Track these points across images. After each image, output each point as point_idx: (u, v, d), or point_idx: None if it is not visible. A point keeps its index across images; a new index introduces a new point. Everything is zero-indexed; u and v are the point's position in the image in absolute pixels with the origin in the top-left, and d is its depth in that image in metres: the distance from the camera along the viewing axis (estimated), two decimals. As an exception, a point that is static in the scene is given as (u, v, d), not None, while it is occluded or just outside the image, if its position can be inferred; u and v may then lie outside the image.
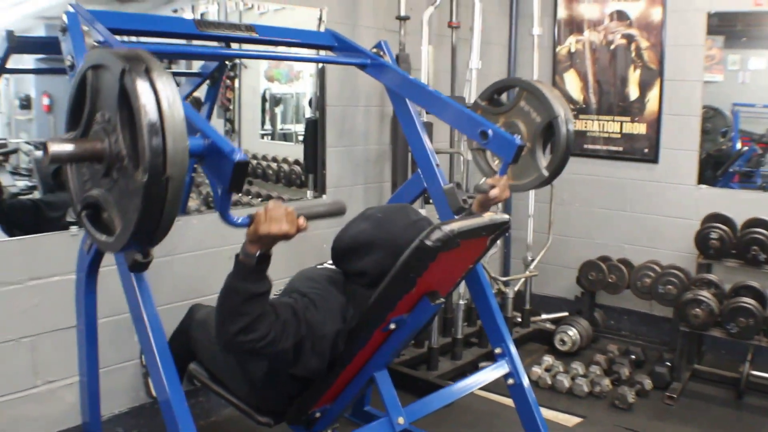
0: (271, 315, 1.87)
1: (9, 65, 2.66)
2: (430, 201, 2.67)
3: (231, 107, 3.57)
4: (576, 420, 3.40)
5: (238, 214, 1.74)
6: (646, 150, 4.38)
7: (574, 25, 4.58)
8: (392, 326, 1.95)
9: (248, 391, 2.22)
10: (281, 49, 2.65)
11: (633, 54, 4.37)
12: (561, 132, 2.53)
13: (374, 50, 2.66)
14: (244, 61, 3.58)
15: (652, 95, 4.32)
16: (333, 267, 2.21)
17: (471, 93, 3.77)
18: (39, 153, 2.91)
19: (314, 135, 3.65)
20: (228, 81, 3.54)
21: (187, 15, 3.25)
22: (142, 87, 1.35)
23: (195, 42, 2.67)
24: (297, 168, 3.72)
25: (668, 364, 3.76)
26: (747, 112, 4.17)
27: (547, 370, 3.84)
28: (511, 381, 2.46)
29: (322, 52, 2.92)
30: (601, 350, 4.13)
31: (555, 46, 4.65)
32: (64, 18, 1.97)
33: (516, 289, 4.35)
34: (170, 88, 1.38)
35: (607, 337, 4.47)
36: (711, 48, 4.10)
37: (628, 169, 4.48)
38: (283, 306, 1.94)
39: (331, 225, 3.51)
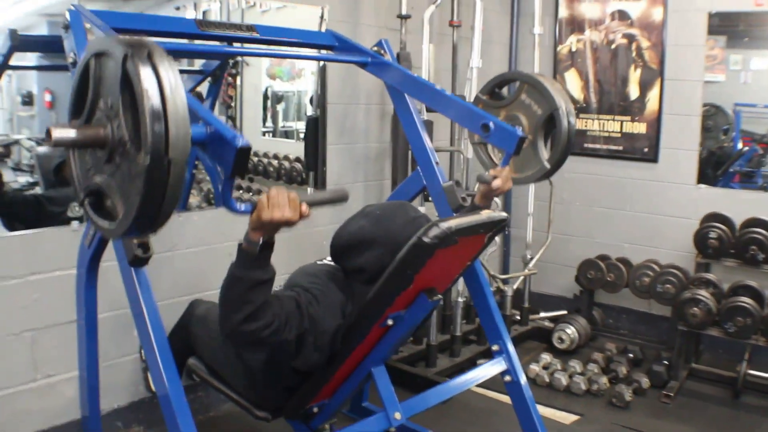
0: (275, 304, 1.87)
1: (12, 62, 2.67)
2: (430, 198, 2.67)
3: (233, 104, 3.59)
4: (573, 418, 3.42)
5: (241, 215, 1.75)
6: (646, 149, 4.39)
7: (575, 25, 4.58)
8: (390, 322, 1.96)
9: (247, 386, 2.24)
10: (283, 48, 2.67)
11: (634, 53, 4.38)
12: (562, 124, 2.53)
13: (375, 49, 2.67)
14: (246, 58, 3.59)
15: (653, 95, 4.32)
16: (332, 263, 2.22)
17: (472, 91, 3.78)
18: (41, 149, 2.93)
19: (315, 132, 3.66)
20: (230, 78, 3.56)
21: (190, 13, 3.27)
22: (144, 72, 1.36)
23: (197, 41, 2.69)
24: (298, 165, 3.73)
25: (666, 362, 3.78)
26: (749, 112, 4.17)
27: (545, 367, 3.86)
28: (508, 378, 2.47)
29: (324, 51, 2.93)
30: (600, 348, 4.14)
31: (556, 45, 4.66)
32: (67, 15, 1.98)
33: (515, 287, 4.36)
34: (172, 73, 1.39)
35: (605, 335, 4.48)
36: (713, 48, 4.11)
37: (628, 169, 4.49)
38: (287, 298, 1.95)
39: (331, 222, 3.55)
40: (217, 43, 2.75)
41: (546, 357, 3.95)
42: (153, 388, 2.75)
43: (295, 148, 3.79)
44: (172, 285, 3.03)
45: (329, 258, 2.25)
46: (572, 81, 4.62)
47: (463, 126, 2.70)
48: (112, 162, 1.51)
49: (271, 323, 1.85)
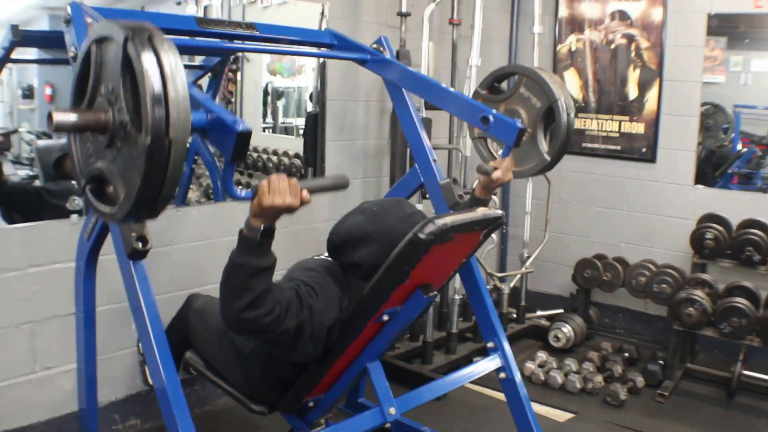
0: (276, 292, 1.88)
1: (12, 55, 2.68)
2: (427, 196, 2.69)
3: (233, 100, 3.60)
4: (568, 416, 3.44)
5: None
6: (644, 149, 4.41)
7: (575, 24, 4.60)
8: (385, 318, 1.97)
9: (243, 379, 2.25)
10: (283, 45, 2.68)
11: (633, 54, 4.39)
12: (561, 116, 2.53)
13: (374, 46, 2.69)
14: (247, 54, 3.60)
15: (651, 95, 4.34)
16: (329, 259, 2.24)
17: (471, 89, 3.78)
18: (41, 142, 2.94)
19: (314, 129, 3.67)
20: (230, 74, 3.57)
21: (191, 8, 3.27)
22: (145, 53, 1.38)
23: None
24: (297, 161, 3.75)
25: (661, 362, 3.79)
26: (748, 114, 4.19)
27: (541, 365, 3.88)
28: (503, 375, 2.49)
29: (323, 48, 2.95)
30: (595, 347, 4.16)
31: (555, 44, 4.68)
32: (68, 10, 1.99)
33: (512, 285, 4.39)
34: (172, 55, 1.41)
35: (601, 334, 4.50)
36: (713, 49, 4.12)
37: (626, 168, 4.50)
38: (288, 288, 1.95)
39: (329, 218, 3.58)
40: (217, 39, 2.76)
41: (542, 355, 3.97)
42: (150, 381, 2.77)
43: (295, 144, 3.81)
44: (170, 279, 3.04)
45: (326, 254, 2.27)
46: (571, 80, 4.63)
47: (463, 119, 2.71)
48: (113, 147, 1.52)
49: (273, 310, 1.84)
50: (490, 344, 2.50)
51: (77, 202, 2.79)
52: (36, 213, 2.75)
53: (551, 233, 4.41)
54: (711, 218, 4.01)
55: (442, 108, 2.59)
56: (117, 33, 1.43)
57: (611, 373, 3.81)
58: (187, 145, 1.46)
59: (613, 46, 4.46)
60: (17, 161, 2.88)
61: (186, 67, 3.31)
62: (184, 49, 3.04)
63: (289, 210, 1.75)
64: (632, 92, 4.41)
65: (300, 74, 3.89)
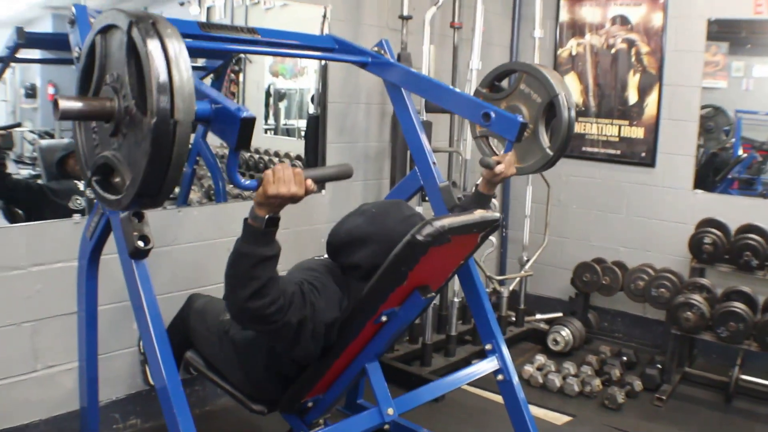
0: (281, 283, 1.88)
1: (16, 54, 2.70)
2: (427, 198, 2.71)
3: (235, 101, 3.61)
4: (566, 419, 3.45)
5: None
6: (643, 154, 4.43)
7: (576, 29, 4.62)
8: (384, 318, 1.98)
9: (243, 379, 2.26)
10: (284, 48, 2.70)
11: (633, 58, 4.41)
12: (562, 110, 2.54)
13: (375, 49, 2.71)
14: (249, 56, 3.62)
15: (651, 100, 4.36)
16: (329, 260, 2.25)
17: (471, 92, 3.81)
18: (44, 142, 2.96)
19: (315, 131, 3.69)
20: (232, 75, 3.59)
21: (194, 9, 3.29)
22: (149, 37, 1.40)
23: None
24: (298, 163, 3.76)
25: (659, 366, 3.81)
26: (750, 119, 4.19)
27: (539, 369, 3.89)
28: (500, 377, 2.50)
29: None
30: (594, 351, 4.17)
31: (556, 48, 4.70)
32: (73, 10, 2.01)
33: (511, 288, 4.40)
34: (176, 39, 1.43)
35: (600, 338, 4.52)
36: (715, 54, 4.13)
37: (626, 173, 4.52)
38: (291, 283, 1.96)
39: (329, 219, 3.60)
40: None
41: (540, 358, 3.98)
42: (151, 381, 2.80)
43: (296, 146, 3.83)
44: (171, 279, 3.06)
45: (326, 255, 2.28)
46: (572, 84, 4.64)
47: (464, 117, 2.71)
48: (119, 134, 1.54)
49: (277, 300, 1.85)
50: (488, 346, 2.51)
51: (80, 201, 2.81)
52: (38, 210, 2.77)
53: (551, 237, 4.43)
54: (709, 223, 4.02)
55: (443, 106, 2.60)
56: (122, 20, 1.46)
57: (609, 377, 3.83)
58: (191, 128, 1.48)
59: (613, 51, 4.48)
60: (19, 160, 2.88)
61: (189, 68, 3.35)
62: (189, 52, 3.07)
63: (294, 199, 1.76)
64: (632, 97, 4.43)
65: (302, 76, 3.91)
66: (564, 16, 4.66)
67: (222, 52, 3.13)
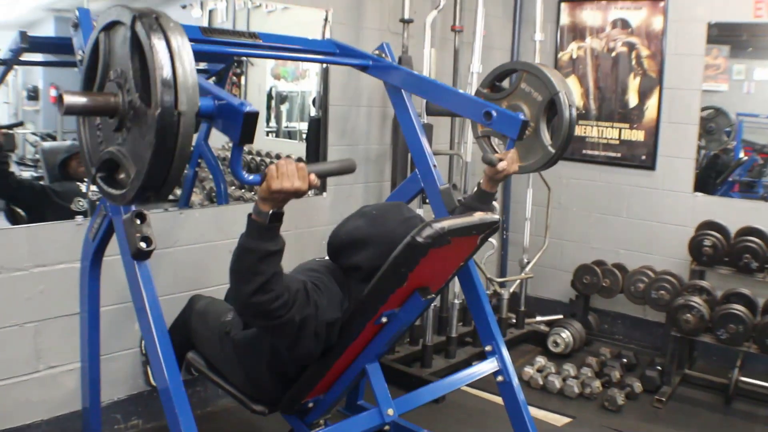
0: (285, 278, 1.89)
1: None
2: (427, 201, 2.72)
3: (236, 102, 3.62)
4: (565, 420, 3.46)
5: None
6: (643, 157, 4.44)
7: (577, 32, 4.64)
8: (384, 319, 2.00)
9: (244, 379, 2.27)
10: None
11: (633, 62, 4.43)
12: (563, 107, 2.54)
13: (376, 52, 2.72)
14: (251, 58, 3.63)
15: (651, 103, 4.37)
16: (330, 261, 2.26)
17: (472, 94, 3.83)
18: (46, 144, 2.97)
19: (317, 133, 3.71)
20: (234, 78, 3.60)
21: (196, 11, 3.30)
22: (152, 31, 1.42)
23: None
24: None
25: (659, 368, 3.82)
26: (751, 122, 4.19)
27: (539, 370, 3.90)
28: (500, 378, 2.51)
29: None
30: (594, 353, 4.18)
31: (557, 51, 4.71)
32: (76, 14, 2.03)
33: (511, 290, 4.41)
34: (179, 33, 1.45)
35: (600, 340, 4.53)
36: (716, 57, 4.15)
37: (626, 176, 4.53)
38: (295, 280, 1.97)
39: (330, 221, 3.61)
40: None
41: (540, 360, 3.99)
42: (152, 382, 2.82)
43: (298, 149, 3.84)
44: (173, 280, 3.08)
45: (327, 257, 2.29)
46: (572, 88, 4.65)
47: (466, 116, 2.72)
48: (123, 129, 1.55)
49: (281, 295, 1.86)
50: (488, 348, 2.52)
51: (82, 203, 2.83)
52: (40, 211, 2.79)
53: (551, 239, 4.45)
54: (709, 226, 4.03)
55: (445, 107, 2.61)
56: (125, 16, 1.48)
57: (609, 379, 3.84)
58: (195, 120, 1.50)
59: (614, 54, 4.49)
60: (22, 162, 2.89)
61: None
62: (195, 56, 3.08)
63: (298, 193, 1.76)
64: (632, 100, 4.45)
65: (304, 79, 3.92)
66: (564, 19, 4.68)
67: (224, 55, 3.14)
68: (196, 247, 3.18)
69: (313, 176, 1.79)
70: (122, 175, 1.58)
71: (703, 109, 4.21)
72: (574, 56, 4.65)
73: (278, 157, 3.83)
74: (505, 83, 2.82)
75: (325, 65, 3.62)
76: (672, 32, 4.26)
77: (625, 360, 4.07)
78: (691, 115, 4.23)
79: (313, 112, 3.78)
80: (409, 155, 3.45)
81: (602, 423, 3.43)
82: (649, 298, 4.05)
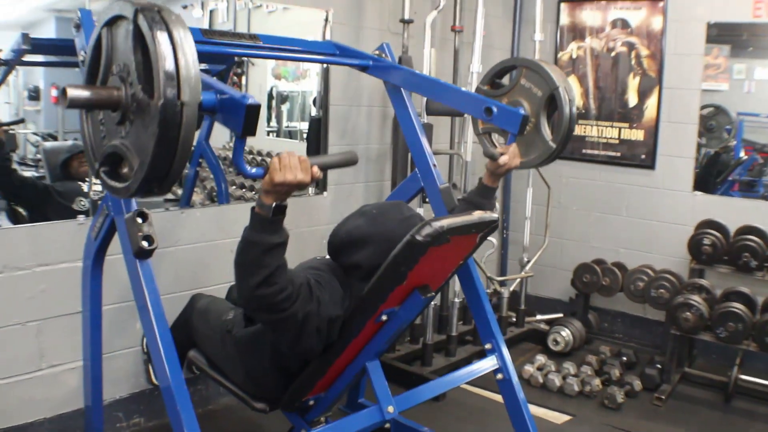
0: (289, 272, 1.91)
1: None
2: (427, 200, 2.73)
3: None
4: (565, 418, 3.48)
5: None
6: (643, 156, 4.45)
7: (576, 32, 4.65)
8: (384, 318, 2.01)
9: (245, 377, 2.28)
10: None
11: (633, 61, 4.44)
12: (563, 102, 2.53)
13: (376, 52, 2.74)
14: (252, 59, 3.64)
15: (651, 102, 4.39)
16: (330, 260, 2.28)
17: (471, 96, 3.84)
18: (48, 144, 2.99)
19: (317, 133, 3.72)
20: (235, 78, 3.62)
21: (197, 12, 3.31)
22: (154, 24, 1.44)
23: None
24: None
25: (659, 366, 3.83)
26: (751, 122, 4.20)
27: (540, 368, 3.92)
28: (500, 376, 2.51)
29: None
30: (594, 351, 4.20)
31: (557, 51, 4.72)
32: (78, 14, 2.05)
33: (512, 289, 4.43)
34: (181, 25, 1.47)
35: (600, 338, 4.54)
36: (717, 57, 4.15)
37: (626, 175, 4.54)
38: (299, 275, 1.98)
39: (330, 220, 3.63)
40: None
41: (541, 358, 4.01)
42: (154, 380, 2.83)
43: (299, 148, 3.85)
44: (174, 279, 3.09)
45: (327, 256, 2.30)
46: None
47: (467, 112, 2.73)
48: (126, 122, 1.57)
49: (286, 288, 1.87)
50: (487, 346, 2.53)
51: (84, 202, 2.84)
52: (42, 210, 2.80)
53: (551, 238, 4.46)
54: (709, 224, 4.05)
55: (446, 104, 2.62)
56: (128, 9, 1.50)
57: (609, 377, 3.85)
58: (197, 122, 1.51)
59: (613, 54, 4.51)
60: (23, 162, 2.90)
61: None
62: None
63: (301, 186, 1.78)
64: (632, 99, 4.46)
65: (304, 79, 3.93)
66: (564, 19, 4.69)
67: (224, 55, 3.16)
68: (197, 246, 3.19)
69: (315, 169, 1.80)
70: (125, 169, 1.59)
71: (704, 107, 4.22)
72: (574, 56, 4.67)
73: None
74: (505, 80, 2.82)
75: (325, 65, 3.63)
76: (671, 32, 4.27)
77: (624, 358, 4.08)
78: (691, 115, 4.24)
79: (313, 111, 3.80)
80: (409, 155, 3.47)
81: (602, 421, 3.44)
82: (649, 297, 4.06)
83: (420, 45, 3.80)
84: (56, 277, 2.72)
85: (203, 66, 3.39)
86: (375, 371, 2.15)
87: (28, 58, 2.80)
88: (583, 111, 4.64)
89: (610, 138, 4.57)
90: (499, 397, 2.69)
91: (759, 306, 3.75)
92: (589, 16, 4.59)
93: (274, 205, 1.79)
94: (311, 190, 3.72)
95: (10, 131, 2.83)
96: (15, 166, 2.84)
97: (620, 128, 4.53)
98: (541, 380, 3.81)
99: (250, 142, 3.73)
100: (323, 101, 3.70)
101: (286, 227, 1.87)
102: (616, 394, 3.55)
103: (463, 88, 4.02)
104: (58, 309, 2.74)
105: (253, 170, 1.76)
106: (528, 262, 4.46)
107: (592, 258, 4.51)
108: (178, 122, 1.45)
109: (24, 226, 2.67)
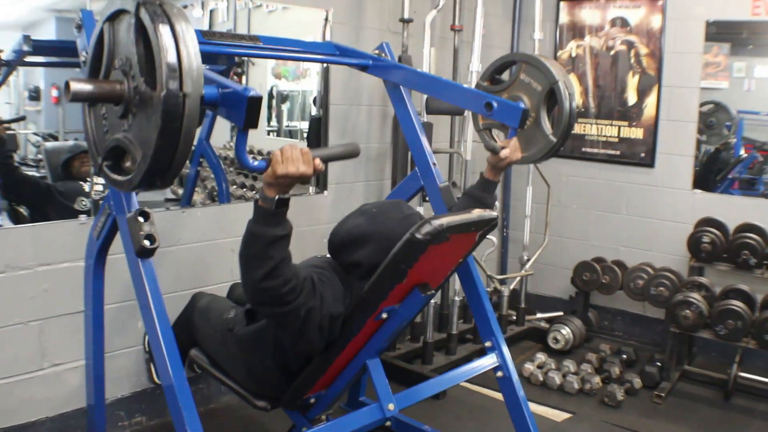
0: (294, 266, 1.92)
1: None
2: (427, 198, 2.74)
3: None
4: (565, 416, 3.49)
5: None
6: (643, 154, 4.46)
7: (576, 31, 4.66)
8: (384, 315, 2.02)
9: (246, 375, 2.30)
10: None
11: (632, 60, 4.44)
12: (563, 96, 2.54)
13: (376, 52, 2.75)
14: (252, 58, 3.65)
15: (650, 101, 4.39)
16: (331, 259, 2.29)
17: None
18: (49, 144, 3.00)
19: (318, 132, 3.74)
20: (235, 77, 3.63)
21: (197, 12, 3.32)
22: (156, 17, 1.46)
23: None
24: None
25: (658, 364, 3.84)
26: (751, 120, 4.20)
27: (540, 367, 3.93)
28: (500, 374, 2.53)
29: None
30: (594, 349, 4.21)
31: (556, 50, 4.73)
32: (80, 15, 2.06)
33: (512, 287, 4.44)
34: (182, 18, 1.48)
35: (600, 336, 4.55)
36: (717, 55, 4.16)
37: (625, 173, 4.55)
38: (302, 270, 1.99)
39: (330, 220, 3.64)
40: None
41: (541, 356, 4.02)
42: (155, 379, 2.84)
43: (299, 148, 3.85)
44: (175, 278, 3.10)
45: (328, 255, 2.31)
46: (571, 86, 4.67)
47: (467, 108, 2.73)
48: (128, 115, 1.58)
49: (290, 280, 1.88)
50: (487, 343, 2.54)
51: (85, 202, 2.85)
52: (44, 209, 2.81)
53: (551, 236, 4.47)
54: (708, 222, 4.06)
55: (446, 101, 2.63)
56: (129, 3, 1.52)
57: (609, 375, 3.86)
58: (198, 119, 1.52)
59: (612, 53, 4.51)
60: (24, 163, 2.91)
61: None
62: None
63: (303, 178, 1.78)
64: (631, 98, 4.47)
65: (304, 78, 3.93)
66: (564, 18, 4.70)
67: (225, 56, 3.17)
68: (198, 245, 3.20)
69: (318, 161, 1.81)
70: (128, 163, 1.61)
71: (703, 103, 4.23)
72: (573, 55, 4.67)
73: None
74: (505, 76, 2.83)
75: (325, 65, 3.64)
76: (670, 30, 4.28)
77: (624, 356, 4.09)
78: (690, 113, 4.25)
79: (313, 111, 3.80)
80: (409, 154, 3.48)
81: (602, 418, 3.45)
82: (649, 295, 4.07)
83: (420, 44, 3.81)
84: (58, 276, 2.73)
85: (204, 67, 3.40)
86: (375, 369, 2.16)
87: (28, 58, 2.81)
88: (583, 109, 4.64)
89: (610, 136, 4.58)
90: (499, 395, 2.71)
91: (758, 303, 3.75)
92: (588, 15, 4.59)
93: (277, 197, 1.80)
94: (311, 189, 3.73)
95: (11, 131, 2.84)
96: (16, 164, 2.84)
97: (620, 126, 4.53)
98: (541, 378, 3.82)
99: (251, 141, 3.70)
100: (323, 100, 3.71)
101: (289, 219, 1.88)
102: (616, 392, 3.56)
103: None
104: (60, 308, 2.75)
105: (256, 163, 1.78)
106: (528, 260, 4.47)
107: (592, 256, 4.52)
108: (180, 113, 1.46)
109: (26, 226, 2.68)
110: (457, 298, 3.96)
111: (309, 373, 2.15)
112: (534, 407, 3.01)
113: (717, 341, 3.62)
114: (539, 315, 4.71)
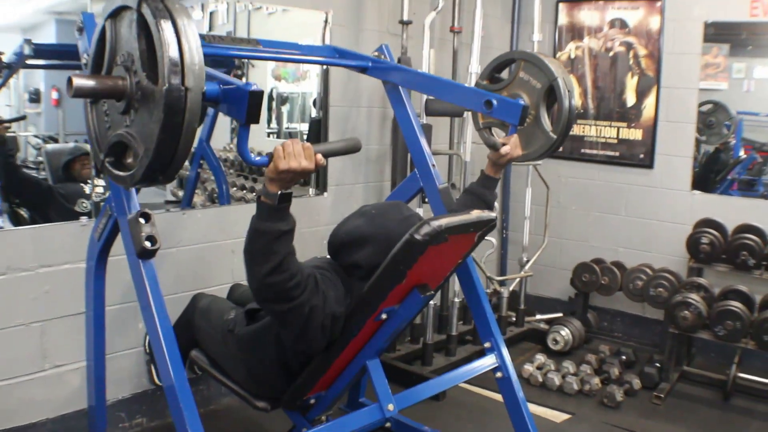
0: (298, 262, 1.93)
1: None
2: (427, 200, 2.75)
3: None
4: (565, 416, 3.49)
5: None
6: (642, 155, 4.47)
7: (575, 32, 4.67)
8: (384, 316, 2.03)
9: (246, 376, 2.30)
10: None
11: (631, 61, 4.46)
12: (562, 93, 2.54)
13: (375, 54, 2.76)
14: (252, 60, 3.66)
15: (649, 102, 4.40)
16: (331, 260, 2.29)
17: (470, 96, 3.85)
18: (49, 146, 3.00)
19: (318, 134, 3.74)
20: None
21: (197, 14, 3.32)
22: (158, 12, 1.47)
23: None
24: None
25: (658, 365, 3.85)
26: (751, 121, 4.21)
27: (539, 368, 3.93)
28: (499, 375, 2.53)
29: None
30: (593, 350, 4.21)
31: (555, 51, 4.74)
32: (81, 18, 2.07)
33: (511, 289, 4.45)
34: (184, 13, 1.50)
35: (599, 337, 4.56)
36: (716, 56, 4.17)
37: (624, 174, 4.56)
38: (306, 267, 2.00)
39: (330, 222, 3.65)
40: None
41: (540, 358, 4.02)
42: (156, 380, 2.85)
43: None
44: (176, 280, 3.11)
45: (328, 256, 2.32)
46: (571, 87, 4.68)
47: (467, 106, 2.73)
48: (131, 111, 1.59)
49: (295, 275, 1.89)
50: (486, 344, 2.54)
51: (86, 204, 2.86)
52: (44, 211, 2.82)
53: (550, 238, 4.49)
54: (707, 223, 4.07)
55: (446, 100, 2.63)
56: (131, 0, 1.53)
57: (608, 376, 3.87)
58: (199, 118, 1.53)
59: (611, 54, 4.53)
60: (24, 165, 2.91)
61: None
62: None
63: (305, 173, 1.80)
64: (630, 99, 4.48)
65: (304, 80, 3.94)
66: (563, 19, 4.71)
67: (228, 58, 3.18)
68: (198, 246, 3.21)
69: (319, 156, 1.82)
70: (130, 159, 1.62)
71: (703, 103, 4.24)
72: (572, 56, 4.69)
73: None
74: (504, 75, 2.83)
75: (325, 67, 3.65)
76: (669, 32, 4.29)
77: (623, 357, 4.10)
78: (689, 114, 4.26)
79: (313, 113, 3.81)
80: (409, 155, 3.49)
81: (601, 419, 3.46)
82: (648, 296, 4.08)
83: (419, 46, 3.82)
84: (59, 278, 2.73)
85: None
86: (375, 370, 2.16)
87: (29, 61, 2.82)
88: (582, 111, 4.65)
89: (609, 137, 4.59)
90: (498, 396, 2.71)
91: (757, 304, 3.77)
92: (587, 16, 4.61)
93: (279, 192, 1.82)
94: (311, 190, 3.74)
95: (12, 133, 2.85)
96: (18, 164, 2.85)
97: (619, 128, 4.55)
98: (540, 379, 3.83)
99: (251, 143, 3.73)
100: (323, 102, 3.72)
101: (292, 214, 1.88)
102: (615, 393, 3.57)
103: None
104: (61, 310, 2.76)
105: (258, 158, 1.79)
106: (527, 261, 4.48)
107: (591, 257, 4.53)
108: (182, 108, 1.47)
109: (27, 228, 2.68)
110: (456, 300, 3.97)
111: (309, 373, 2.16)
112: (533, 408, 3.03)
113: (716, 342, 3.63)
114: (539, 316, 4.72)
